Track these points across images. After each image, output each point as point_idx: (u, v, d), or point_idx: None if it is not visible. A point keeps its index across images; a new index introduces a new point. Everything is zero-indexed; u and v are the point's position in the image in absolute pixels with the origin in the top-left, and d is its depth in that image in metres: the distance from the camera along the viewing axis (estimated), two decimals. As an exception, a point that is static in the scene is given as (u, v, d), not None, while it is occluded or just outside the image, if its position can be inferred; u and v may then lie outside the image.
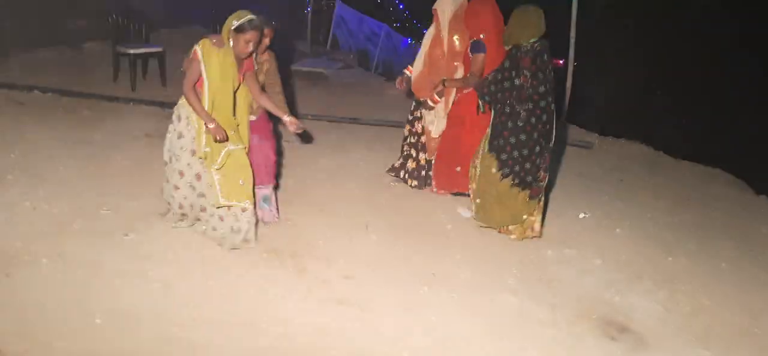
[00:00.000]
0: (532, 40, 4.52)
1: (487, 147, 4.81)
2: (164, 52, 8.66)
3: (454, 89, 5.27)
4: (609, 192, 6.54)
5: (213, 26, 8.84)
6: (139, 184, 5.18)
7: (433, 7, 5.32)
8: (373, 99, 9.95)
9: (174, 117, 4.26)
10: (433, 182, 5.69)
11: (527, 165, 4.66)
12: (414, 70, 5.55)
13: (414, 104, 5.74)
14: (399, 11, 17.78)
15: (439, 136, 5.47)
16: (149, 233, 4.39)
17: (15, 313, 3.33)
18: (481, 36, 5.01)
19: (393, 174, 5.95)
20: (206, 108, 4.03)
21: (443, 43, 5.27)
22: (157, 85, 8.45)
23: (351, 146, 7.08)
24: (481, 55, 4.99)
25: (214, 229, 4.31)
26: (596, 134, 8.91)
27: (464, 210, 5.36)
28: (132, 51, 8.21)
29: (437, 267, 4.43)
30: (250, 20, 3.94)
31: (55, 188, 4.91)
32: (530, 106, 4.53)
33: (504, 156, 4.69)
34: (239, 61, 4.13)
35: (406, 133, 5.82)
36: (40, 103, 7.23)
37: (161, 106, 7.47)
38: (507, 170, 4.70)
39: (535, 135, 4.59)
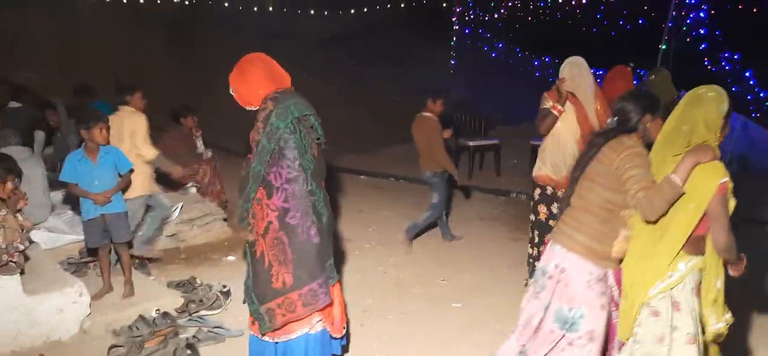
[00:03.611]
0: None
1: None
2: (500, 146, 9.17)
3: None
4: None
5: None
6: (472, 259, 5.52)
7: (565, 89, 4.40)
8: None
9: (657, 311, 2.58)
10: None
11: None
12: (565, 166, 4.42)
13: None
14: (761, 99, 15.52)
15: None
16: (478, 304, 4.56)
17: (365, 356, 3.77)
18: None
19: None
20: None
21: (592, 120, 4.47)
22: (492, 175, 8.94)
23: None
24: None
25: None
26: None
27: None
28: (471, 143, 8.89)
29: None
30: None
31: (402, 258, 5.53)
32: None
33: None
34: None
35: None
36: (393, 188, 8.34)
37: (495, 194, 7.94)
38: None
39: None
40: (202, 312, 4.22)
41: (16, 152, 4.58)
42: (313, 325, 2.97)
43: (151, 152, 4.79)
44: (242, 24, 15.17)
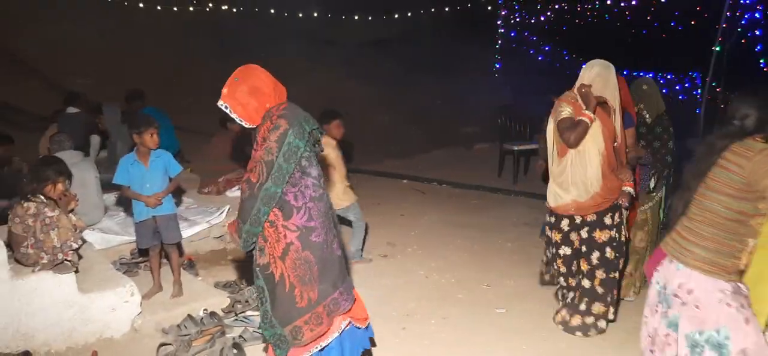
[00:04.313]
0: None
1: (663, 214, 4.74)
2: (545, 150, 9.07)
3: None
4: None
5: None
6: (516, 265, 5.45)
7: (594, 95, 3.85)
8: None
9: None
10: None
11: None
12: (594, 184, 3.89)
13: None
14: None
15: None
16: (522, 311, 4.51)
17: (407, 360, 3.78)
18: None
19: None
20: None
21: (617, 129, 3.99)
22: (537, 180, 8.80)
23: None
24: (633, 129, 4.45)
25: None
26: None
27: None
28: (516, 148, 8.82)
29: None
30: None
31: (444, 262, 5.51)
32: None
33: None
34: None
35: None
36: (436, 192, 8.33)
37: (542, 198, 7.79)
38: None
39: None
40: (248, 313, 4.30)
41: (68, 156, 4.77)
42: (342, 327, 2.93)
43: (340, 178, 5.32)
44: (288, 30, 15.42)
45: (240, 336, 3.90)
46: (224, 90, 2.74)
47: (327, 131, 5.11)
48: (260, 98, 2.73)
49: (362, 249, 5.55)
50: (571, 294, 4.17)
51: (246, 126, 2.78)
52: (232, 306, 4.34)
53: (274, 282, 2.75)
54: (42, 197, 3.78)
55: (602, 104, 3.91)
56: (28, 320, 3.72)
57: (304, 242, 2.73)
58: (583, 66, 4.02)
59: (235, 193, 6.28)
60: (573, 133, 3.77)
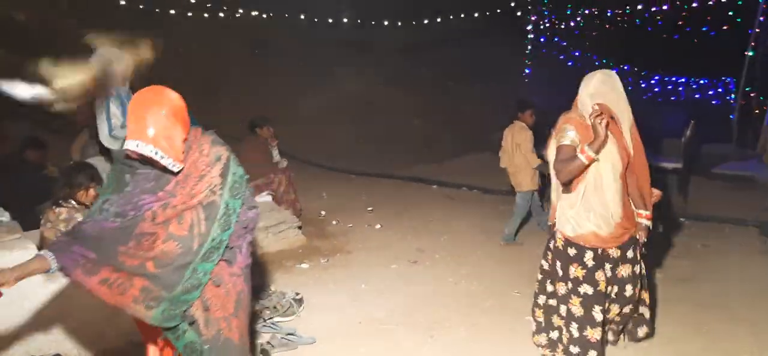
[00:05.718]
0: None
1: None
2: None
3: None
4: None
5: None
6: (547, 273, 5.33)
7: (606, 111, 3.13)
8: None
9: None
10: None
11: None
12: (615, 212, 3.22)
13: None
14: None
15: None
16: (555, 319, 4.40)
17: (436, 369, 3.72)
18: None
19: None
20: None
21: (628, 147, 3.29)
22: (568, 187, 8.71)
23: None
24: None
25: None
26: None
27: None
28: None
29: None
30: None
31: (473, 269, 5.44)
32: None
33: None
34: None
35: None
36: (465, 198, 8.27)
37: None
38: None
39: None
40: (276, 319, 4.30)
41: (100, 160, 4.82)
42: None
43: (534, 160, 5.92)
44: (319, 36, 15.50)
45: (268, 343, 3.90)
46: (149, 130, 2.06)
47: (521, 119, 5.94)
48: (184, 125, 2.18)
49: None
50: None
51: (176, 170, 2.15)
52: (260, 312, 4.33)
53: (233, 345, 2.26)
54: (74, 203, 3.82)
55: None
56: (60, 323, 3.75)
57: (248, 281, 2.35)
58: (584, 82, 3.31)
59: (264, 198, 6.30)
60: (567, 168, 3.11)
